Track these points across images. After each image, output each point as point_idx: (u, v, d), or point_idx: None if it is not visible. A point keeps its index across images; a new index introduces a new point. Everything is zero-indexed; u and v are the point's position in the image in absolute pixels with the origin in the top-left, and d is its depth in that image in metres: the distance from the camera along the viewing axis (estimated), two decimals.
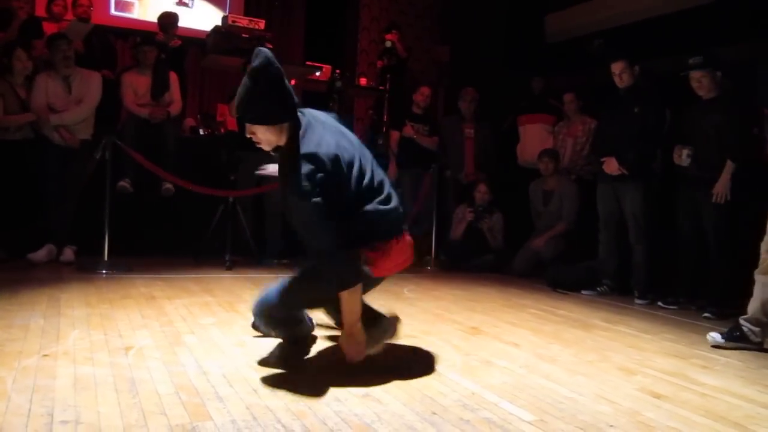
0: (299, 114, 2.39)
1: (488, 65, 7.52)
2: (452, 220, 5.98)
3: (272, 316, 2.54)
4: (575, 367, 2.65)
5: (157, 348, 2.59)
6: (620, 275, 4.74)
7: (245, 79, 2.31)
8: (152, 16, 7.06)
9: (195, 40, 7.14)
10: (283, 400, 2.05)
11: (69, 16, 6.11)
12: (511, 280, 5.23)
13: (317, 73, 7.20)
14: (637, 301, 4.45)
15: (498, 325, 3.43)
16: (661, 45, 5.83)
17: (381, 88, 7.45)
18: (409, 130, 6.07)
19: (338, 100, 6.42)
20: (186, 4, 7.74)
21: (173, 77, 5.64)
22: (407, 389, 2.22)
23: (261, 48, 2.33)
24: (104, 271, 4.49)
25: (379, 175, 2.49)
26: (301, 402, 2.03)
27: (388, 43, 7.36)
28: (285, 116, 2.35)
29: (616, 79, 4.56)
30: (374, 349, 2.44)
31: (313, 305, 2.66)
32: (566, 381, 2.43)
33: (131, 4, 8.32)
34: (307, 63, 7.37)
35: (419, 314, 3.60)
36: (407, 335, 3.04)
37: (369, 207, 2.37)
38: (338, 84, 6.12)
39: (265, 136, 2.37)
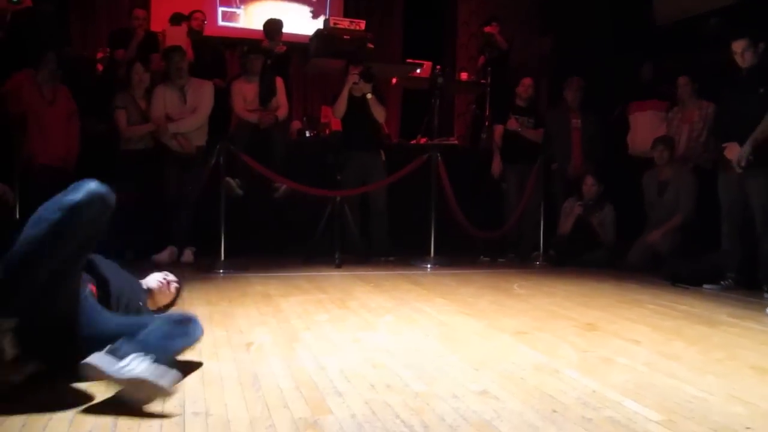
0: None
1: (593, 52, 7.25)
2: (560, 214, 5.83)
3: None
4: (702, 365, 2.51)
5: (275, 344, 2.68)
6: (746, 268, 4.45)
7: None
8: (257, 25, 7.32)
9: (297, 45, 7.33)
10: (401, 395, 2.06)
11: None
12: (625, 275, 5.02)
13: (417, 70, 7.23)
14: (767, 296, 4.16)
15: (615, 321, 3.30)
16: None
17: (482, 81, 7.36)
18: (513, 124, 5.96)
19: (439, 96, 6.40)
20: (319, 16, 7.85)
21: (279, 82, 5.82)
22: (524, 387, 2.18)
23: None
24: (221, 271, 4.69)
25: None
26: (418, 398, 2.04)
27: (488, 36, 7.26)
28: None
29: (738, 59, 4.28)
30: None
31: None
32: (694, 380, 2.31)
33: (237, 14, 8.68)
34: (407, 60, 7.41)
35: (531, 311, 3.53)
36: (520, 332, 3.00)
37: None
38: (439, 80, 6.09)
39: None
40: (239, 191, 5.42)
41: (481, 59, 7.54)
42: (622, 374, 2.35)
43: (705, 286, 4.48)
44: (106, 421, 1.81)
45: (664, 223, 5.29)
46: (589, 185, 5.65)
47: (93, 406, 1.91)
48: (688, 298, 4.09)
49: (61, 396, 1.99)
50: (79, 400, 1.96)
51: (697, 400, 2.08)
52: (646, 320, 3.35)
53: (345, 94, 5.48)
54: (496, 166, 6.02)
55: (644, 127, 5.85)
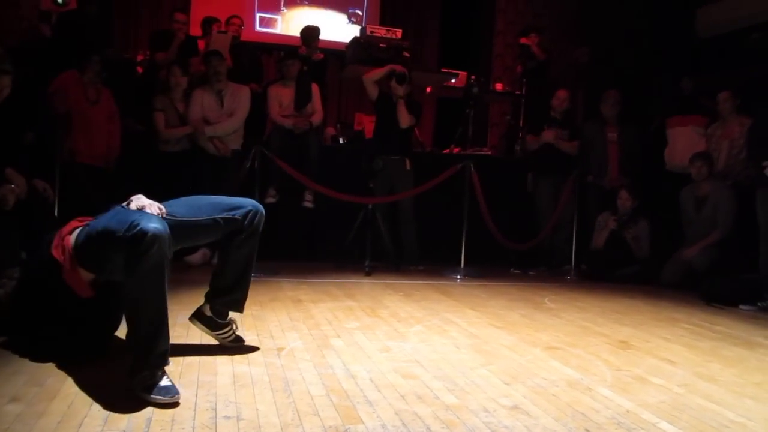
0: None
1: (632, 65, 7.17)
2: (594, 228, 5.75)
3: None
4: (740, 388, 2.45)
5: (306, 350, 2.69)
6: None
7: None
8: (294, 31, 7.37)
9: (334, 52, 7.37)
10: (431, 407, 2.05)
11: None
12: (660, 292, 4.94)
13: (453, 80, 7.21)
14: None
15: (649, 339, 3.25)
16: None
17: (517, 92, 7.32)
18: (547, 135, 5.91)
19: (474, 106, 6.38)
20: (359, 24, 7.84)
21: (315, 88, 5.85)
22: (557, 403, 2.15)
23: None
24: (252, 274, 4.69)
25: None
26: (449, 411, 2.03)
27: (524, 47, 7.22)
28: None
29: None
30: None
31: None
32: (731, 403, 2.25)
33: (275, 20, 8.77)
34: (443, 70, 7.40)
35: (563, 326, 3.48)
36: (552, 347, 2.96)
37: None
38: (474, 90, 6.08)
39: None
40: (274, 199, 5.44)
41: (519, 69, 7.49)
42: (657, 395, 2.31)
43: (741, 306, 4.39)
44: (139, 421, 1.83)
45: (700, 239, 5.19)
46: (624, 199, 5.57)
47: (127, 405, 1.94)
48: (724, 318, 4.01)
49: (95, 395, 2.02)
50: (114, 399, 1.98)
51: (735, 425, 2.03)
52: (681, 340, 3.29)
53: (384, 71, 5.53)
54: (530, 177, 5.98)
55: (683, 142, 5.75)
